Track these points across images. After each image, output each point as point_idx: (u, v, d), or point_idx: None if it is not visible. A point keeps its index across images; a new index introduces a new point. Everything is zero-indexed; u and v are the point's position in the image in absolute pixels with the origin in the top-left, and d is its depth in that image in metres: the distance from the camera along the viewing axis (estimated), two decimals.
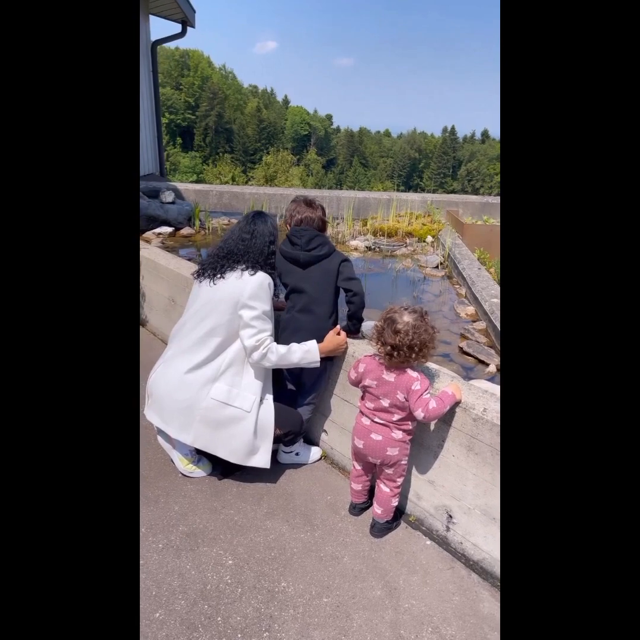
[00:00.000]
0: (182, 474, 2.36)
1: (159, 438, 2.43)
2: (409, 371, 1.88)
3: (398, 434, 1.94)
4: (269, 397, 2.31)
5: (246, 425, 2.19)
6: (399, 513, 2.18)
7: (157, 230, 5.27)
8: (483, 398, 1.92)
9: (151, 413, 2.31)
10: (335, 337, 2.30)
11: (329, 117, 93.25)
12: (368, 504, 2.21)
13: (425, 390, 1.86)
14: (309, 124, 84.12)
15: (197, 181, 45.98)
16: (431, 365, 2.15)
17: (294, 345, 2.23)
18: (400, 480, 2.03)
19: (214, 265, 2.27)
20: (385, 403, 1.91)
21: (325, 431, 2.54)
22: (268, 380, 2.32)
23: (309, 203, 2.46)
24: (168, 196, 5.77)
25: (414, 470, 2.12)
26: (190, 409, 2.17)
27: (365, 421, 1.99)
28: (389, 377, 1.90)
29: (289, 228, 2.45)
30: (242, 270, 2.21)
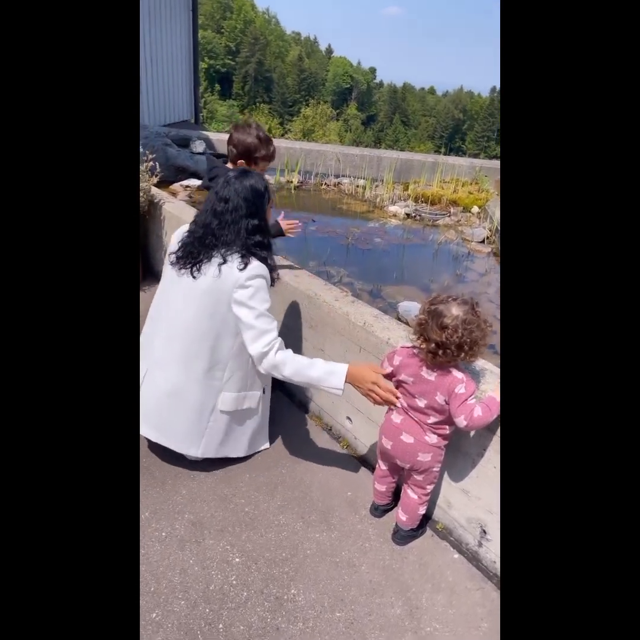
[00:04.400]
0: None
1: None
2: (454, 371, 1.62)
3: (432, 438, 1.70)
4: (269, 384, 2.18)
5: (253, 419, 2.12)
6: (425, 519, 1.97)
7: (185, 182, 4.99)
8: None
9: (144, 427, 1.98)
10: (373, 374, 1.74)
11: (373, 71, 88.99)
12: (391, 506, 2.01)
13: (471, 395, 1.60)
14: (351, 77, 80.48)
15: None
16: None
17: (318, 360, 1.82)
18: (430, 488, 1.81)
19: (188, 255, 1.88)
20: (420, 403, 1.67)
21: (348, 419, 2.33)
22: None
23: (245, 127, 2.34)
24: (199, 146, 5.48)
25: (446, 475, 1.89)
26: (197, 424, 1.97)
27: (396, 419, 1.76)
28: (429, 375, 1.65)
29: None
30: (225, 258, 1.80)
